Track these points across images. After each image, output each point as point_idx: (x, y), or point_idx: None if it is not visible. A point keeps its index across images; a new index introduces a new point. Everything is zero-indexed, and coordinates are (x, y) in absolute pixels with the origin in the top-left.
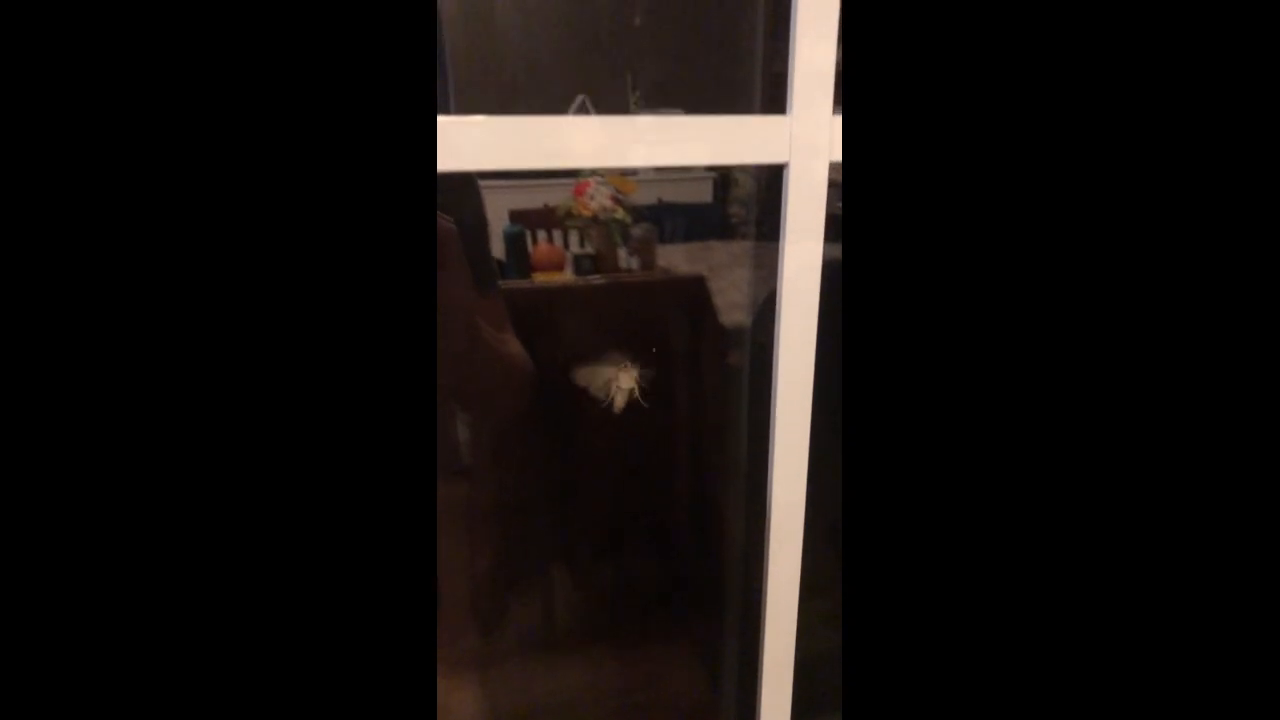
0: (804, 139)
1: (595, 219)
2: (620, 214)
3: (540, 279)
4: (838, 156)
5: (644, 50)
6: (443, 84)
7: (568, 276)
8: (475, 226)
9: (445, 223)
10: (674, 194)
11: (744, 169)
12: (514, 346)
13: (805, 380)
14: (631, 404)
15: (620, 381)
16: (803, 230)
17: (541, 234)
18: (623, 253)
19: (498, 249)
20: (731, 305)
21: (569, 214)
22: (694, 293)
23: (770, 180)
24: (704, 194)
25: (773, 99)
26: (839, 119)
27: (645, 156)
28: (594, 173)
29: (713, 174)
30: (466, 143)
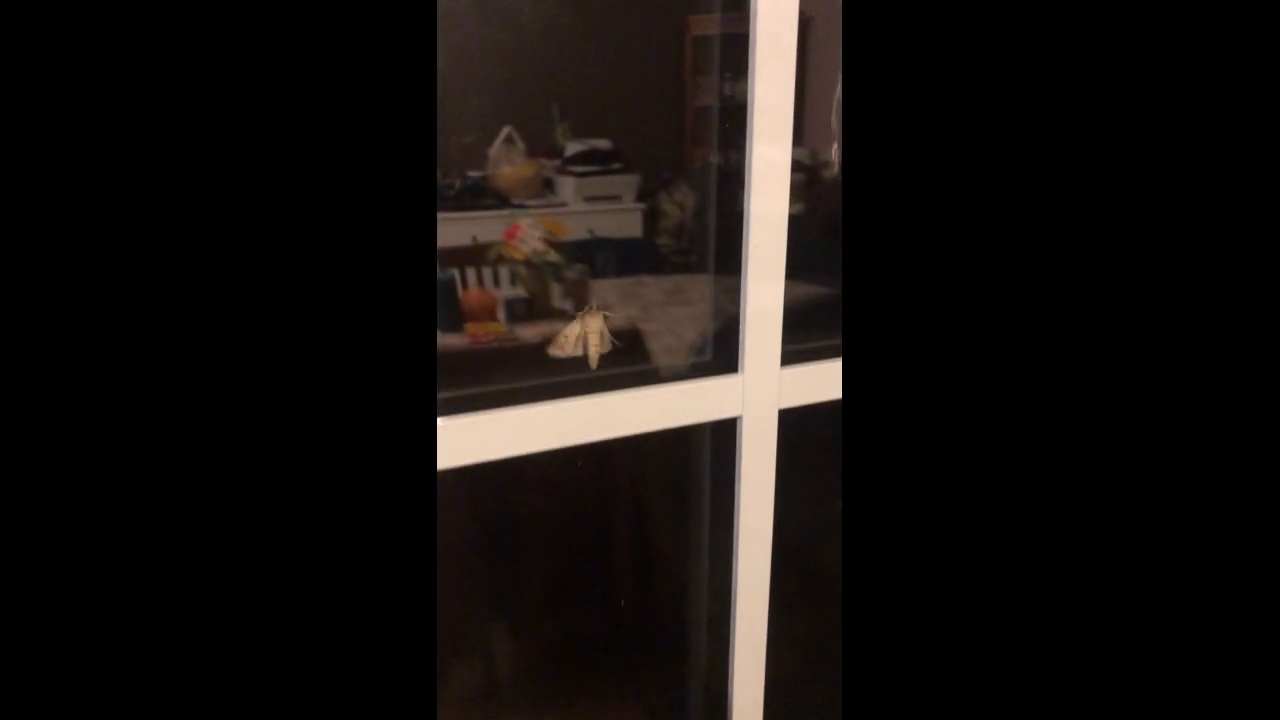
0: (755, 394)
1: (528, 262)
2: (552, 256)
3: (473, 329)
4: (785, 404)
5: (571, 80)
6: None
7: (500, 327)
8: None
9: None
10: (604, 226)
11: (672, 200)
12: None
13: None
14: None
15: (589, 328)
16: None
17: (470, 272)
18: (557, 292)
19: None
20: (666, 349)
21: (500, 257)
22: (628, 342)
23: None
24: (634, 227)
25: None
26: (788, 372)
27: (606, 431)
28: (524, 214)
29: (642, 205)
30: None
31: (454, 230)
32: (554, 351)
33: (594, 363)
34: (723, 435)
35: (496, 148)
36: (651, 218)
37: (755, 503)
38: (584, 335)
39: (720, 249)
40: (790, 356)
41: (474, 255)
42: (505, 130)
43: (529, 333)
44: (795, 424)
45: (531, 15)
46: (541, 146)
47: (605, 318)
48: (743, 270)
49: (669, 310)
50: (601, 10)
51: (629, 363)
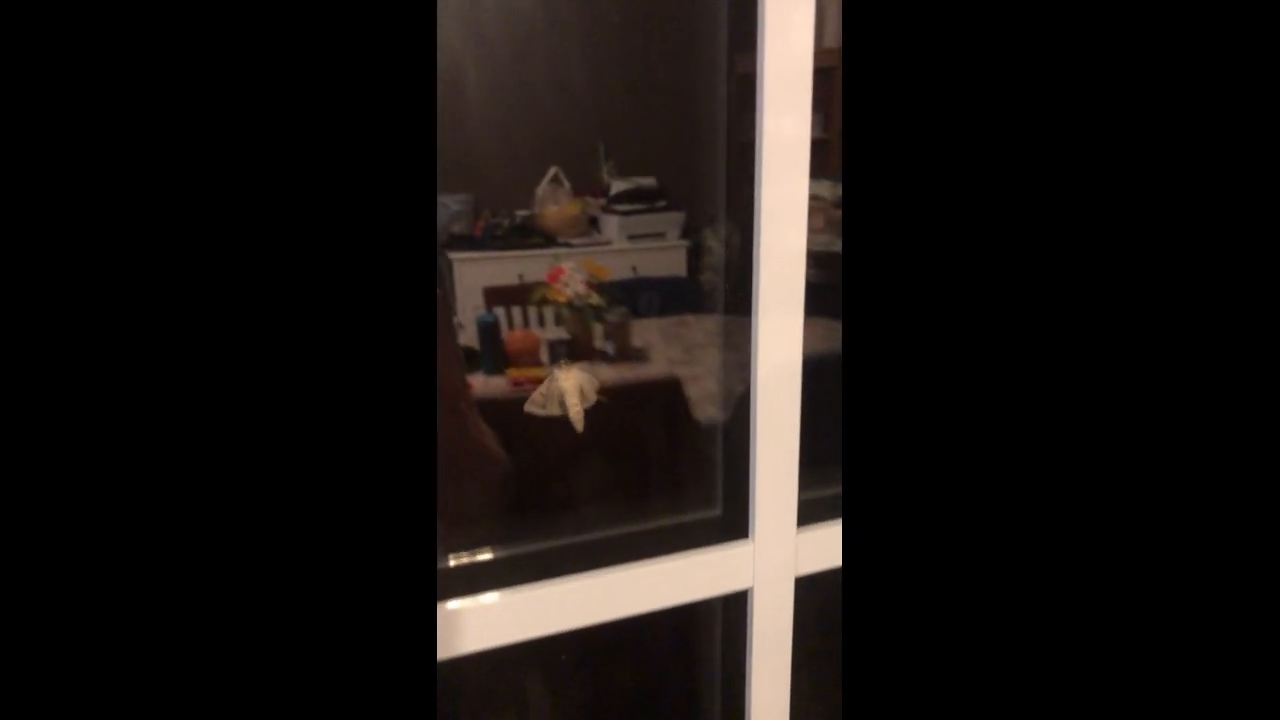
0: (768, 563)
1: (570, 305)
2: (594, 299)
3: (515, 374)
4: (803, 571)
5: (617, 120)
6: None
7: (542, 372)
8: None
9: None
10: (648, 264)
11: (717, 237)
12: (489, 437)
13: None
14: (596, 409)
15: (565, 387)
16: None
17: (515, 310)
18: (599, 334)
19: (470, 337)
20: (707, 397)
21: (544, 299)
22: (670, 395)
23: (744, 247)
24: (678, 264)
25: (739, 167)
26: (806, 535)
27: (621, 609)
28: (569, 252)
29: (686, 243)
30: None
31: (501, 269)
32: (530, 409)
33: (578, 423)
34: (733, 607)
35: (543, 187)
36: (695, 255)
37: (769, 681)
38: (561, 394)
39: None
40: (810, 509)
41: (520, 294)
42: (552, 170)
43: (598, 387)
44: (815, 591)
45: (578, 57)
46: (587, 185)
47: (581, 373)
48: (752, 420)
49: (711, 354)
50: (647, 51)
51: (666, 418)
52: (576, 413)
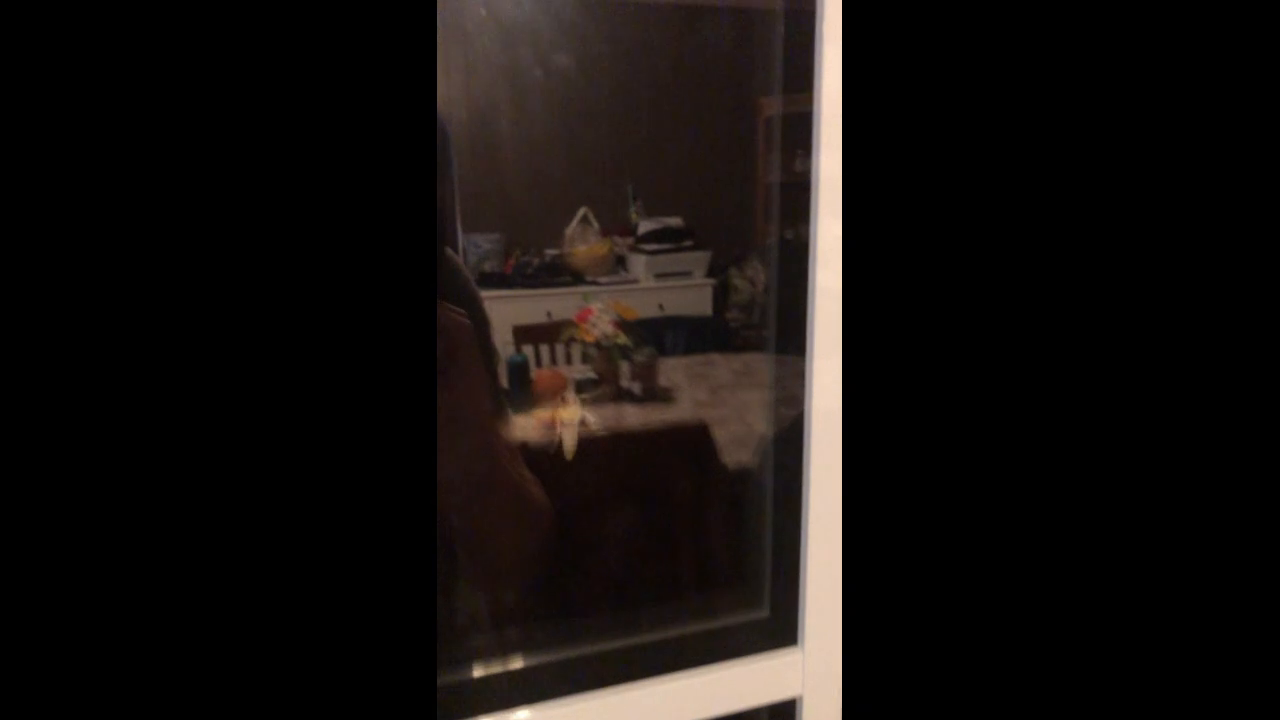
0: (819, 671)
1: (598, 345)
2: (622, 339)
3: (541, 415)
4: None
5: (644, 162)
6: (449, 201)
7: (572, 411)
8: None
9: (457, 316)
10: (675, 301)
11: (743, 275)
12: (532, 484)
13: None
14: (586, 440)
15: (563, 421)
16: None
17: (544, 349)
18: (626, 374)
19: (499, 376)
20: (735, 440)
21: (572, 338)
22: (698, 441)
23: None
24: (704, 302)
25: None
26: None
27: None
28: (597, 290)
29: (712, 281)
30: None
31: (530, 307)
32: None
33: (569, 453)
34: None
35: (573, 227)
36: (722, 293)
37: None
38: (558, 427)
39: (789, 327)
40: None
41: (548, 333)
42: (582, 211)
43: (594, 418)
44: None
45: (608, 102)
46: (615, 224)
47: (581, 407)
48: (803, 503)
49: (738, 394)
50: (677, 95)
51: (697, 468)
52: (570, 446)
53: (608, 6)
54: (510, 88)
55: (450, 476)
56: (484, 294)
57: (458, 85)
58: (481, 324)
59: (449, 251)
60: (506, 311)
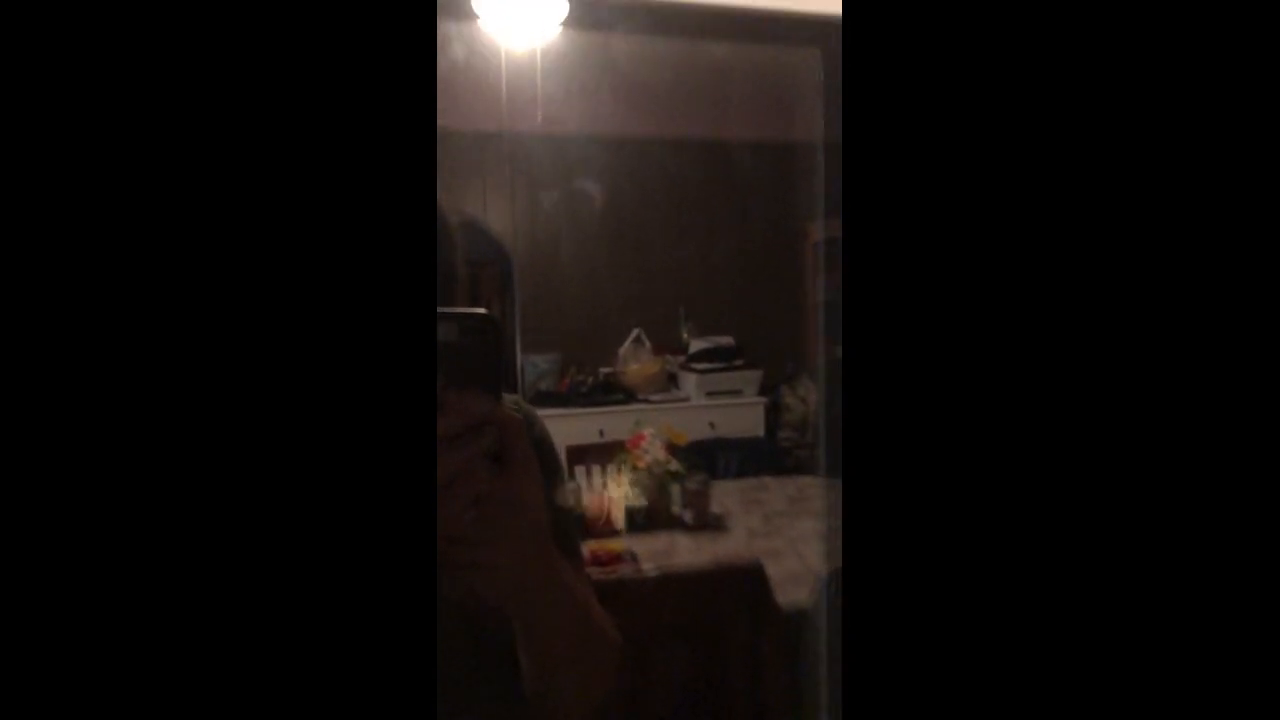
0: None
1: (649, 471)
2: (673, 465)
3: (594, 547)
4: None
5: (695, 285)
6: (510, 327)
7: (619, 545)
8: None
9: (511, 412)
10: (726, 421)
11: (795, 394)
12: (604, 618)
13: None
14: (636, 580)
15: (612, 496)
16: None
17: (595, 469)
18: (677, 500)
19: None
20: (792, 578)
21: (624, 465)
22: (752, 582)
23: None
24: (755, 421)
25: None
26: None
27: None
28: (647, 412)
29: (763, 400)
30: None
31: (583, 425)
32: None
33: (619, 524)
34: None
35: (626, 347)
36: (774, 412)
37: None
38: (605, 495)
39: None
40: None
41: (600, 453)
42: (635, 331)
43: (644, 549)
44: None
45: (661, 225)
46: (667, 343)
47: (629, 482)
48: None
49: (794, 524)
50: (726, 221)
51: (750, 610)
52: (619, 516)
53: (658, 144)
54: (569, 220)
55: (510, 582)
56: (540, 412)
57: (522, 218)
58: (553, 472)
59: (531, 410)
60: (561, 431)
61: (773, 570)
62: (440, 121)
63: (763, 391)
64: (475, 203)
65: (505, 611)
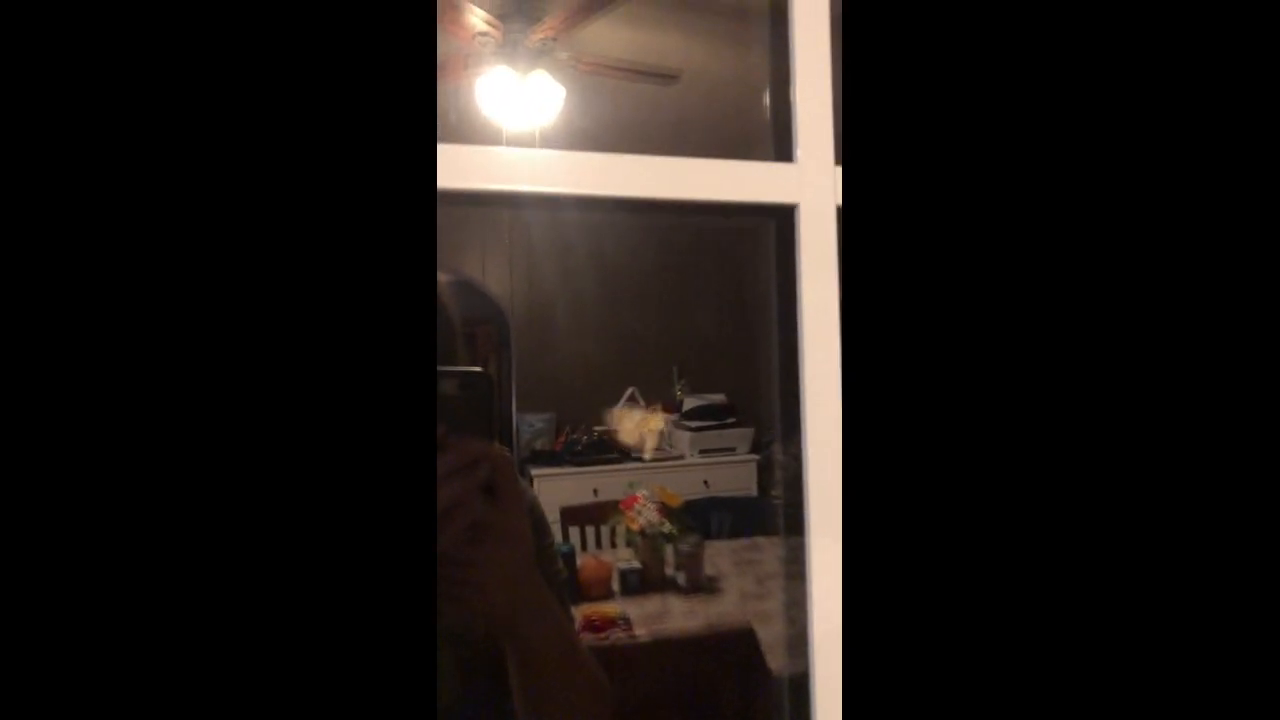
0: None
1: (643, 533)
2: (667, 527)
3: (589, 611)
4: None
5: (688, 345)
6: (506, 387)
7: (614, 610)
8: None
9: (498, 450)
10: (719, 478)
11: (788, 452)
12: (589, 655)
13: None
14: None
15: (650, 425)
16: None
17: (589, 530)
18: (671, 561)
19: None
20: (783, 645)
21: (617, 526)
22: (744, 646)
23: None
24: (749, 478)
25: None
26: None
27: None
28: (640, 470)
29: (756, 457)
30: None
31: (578, 485)
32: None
33: (648, 454)
34: None
35: (620, 406)
36: (766, 470)
37: None
38: (644, 427)
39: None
40: None
41: (594, 513)
42: (629, 390)
43: (638, 612)
44: None
45: (657, 295)
46: (661, 402)
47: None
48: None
49: (788, 587)
50: (719, 282)
51: (743, 674)
52: (650, 448)
53: (650, 213)
54: (564, 285)
55: (502, 603)
56: (535, 472)
57: (520, 283)
58: (542, 534)
59: (535, 501)
60: (555, 490)
61: (764, 633)
62: (440, 184)
63: (755, 449)
64: (473, 265)
65: (497, 636)
